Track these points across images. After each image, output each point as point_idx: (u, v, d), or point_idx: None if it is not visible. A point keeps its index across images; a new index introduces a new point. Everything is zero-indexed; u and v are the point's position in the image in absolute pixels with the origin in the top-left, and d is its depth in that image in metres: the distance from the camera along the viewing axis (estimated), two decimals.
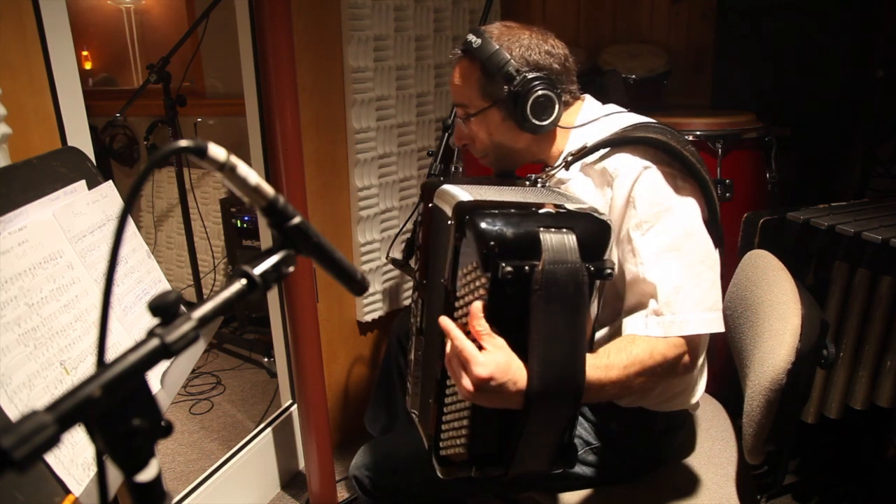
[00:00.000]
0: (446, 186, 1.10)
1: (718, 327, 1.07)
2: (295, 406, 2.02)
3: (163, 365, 0.52)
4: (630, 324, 1.08)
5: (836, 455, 2.03)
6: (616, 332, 1.14)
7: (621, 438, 1.24)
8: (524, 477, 1.02)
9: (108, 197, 1.09)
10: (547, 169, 1.24)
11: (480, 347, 0.92)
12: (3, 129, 1.09)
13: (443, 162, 1.81)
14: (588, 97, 1.29)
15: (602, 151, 1.15)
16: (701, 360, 1.16)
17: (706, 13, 2.49)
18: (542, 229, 0.92)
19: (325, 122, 1.95)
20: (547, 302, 0.90)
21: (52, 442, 0.39)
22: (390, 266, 2.20)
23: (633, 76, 2.30)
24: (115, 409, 0.48)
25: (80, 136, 1.30)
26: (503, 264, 0.89)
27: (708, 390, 1.37)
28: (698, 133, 1.95)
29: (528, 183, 1.24)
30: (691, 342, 1.06)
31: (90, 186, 1.06)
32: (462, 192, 1.03)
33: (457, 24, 2.32)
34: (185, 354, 0.52)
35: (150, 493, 0.51)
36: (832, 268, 1.62)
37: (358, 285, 0.68)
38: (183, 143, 0.53)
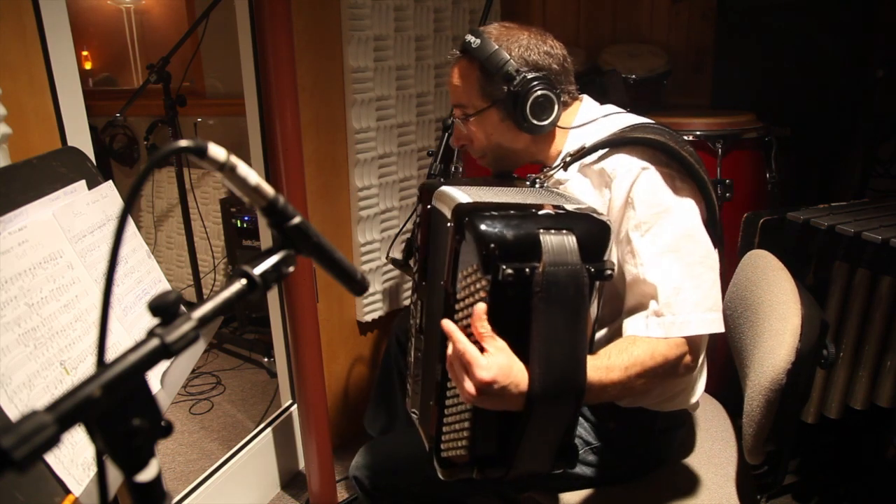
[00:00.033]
0: (445, 188, 1.09)
1: (719, 328, 1.07)
2: (295, 406, 2.02)
3: (163, 365, 0.52)
4: (631, 325, 1.08)
5: (836, 455, 2.03)
6: (616, 332, 1.14)
7: (621, 438, 1.24)
8: (525, 477, 1.02)
9: (108, 197, 1.09)
10: (545, 169, 1.24)
11: (482, 349, 0.92)
12: (3, 129, 1.09)
13: (443, 162, 1.81)
14: (586, 97, 1.29)
15: (600, 152, 1.15)
16: (701, 359, 1.16)
17: (706, 13, 2.49)
18: (541, 231, 0.91)
19: (325, 122, 1.95)
20: (548, 304, 0.90)
21: (52, 442, 0.39)
22: (390, 266, 2.20)
23: (633, 76, 2.30)
24: (115, 409, 0.48)
25: (80, 136, 1.30)
26: (504, 267, 0.89)
27: (708, 390, 1.37)
28: (698, 133, 1.95)
29: (527, 183, 1.24)
30: (692, 343, 1.06)
31: (90, 186, 1.06)
32: (461, 194, 1.03)
33: (457, 24, 2.32)
34: (185, 354, 0.52)
35: (150, 493, 0.51)
36: (832, 268, 1.62)
37: (358, 285, 0.68)
38: (183, 143, 0.53)
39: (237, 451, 1.93)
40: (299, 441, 2.07)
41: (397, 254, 2.03)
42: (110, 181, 1.11)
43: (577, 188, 1.18)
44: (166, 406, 1.05)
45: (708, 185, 1.13)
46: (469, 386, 0.90)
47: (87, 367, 0.91)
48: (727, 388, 1.46)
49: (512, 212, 0.94)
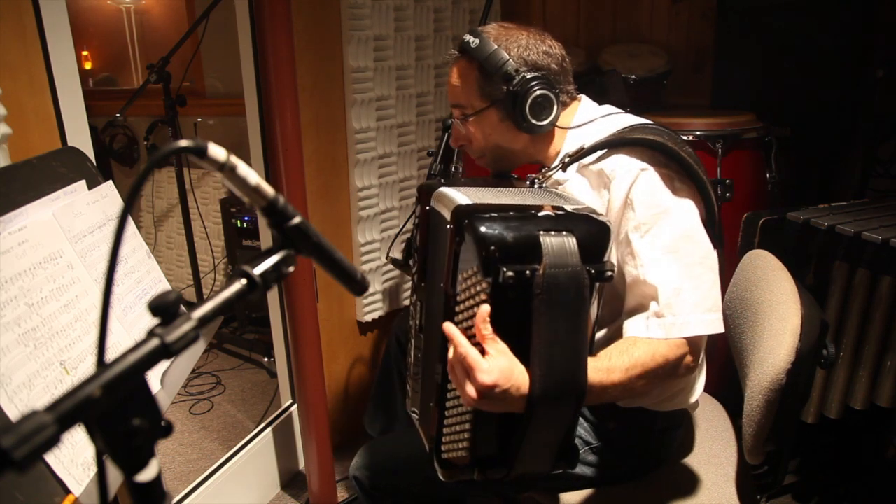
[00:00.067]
0: (443, 189, 1.09)
1: (718, 328, 1.07)
2: (295, 406, 2.02)
3: (163, 365, 0.52)
4: (631, 326, 1.08)
5: (836, 455, 2.03)
6: (616, 333, 1.14)
7: (621, 438, 1.24)
8: (525, 477, 1.02)
9: (108, 197, 1.09)
10: (544, 170, 1.24)
11: (482, 351, 0.92)
12: (3, 129, 1.09)
13: (443, 162, 1.81)
14: (584, 98, 1.29)
15: (599, 153, 1.15)
16: (700, 359, 1.16)
17: (706, 13, 2.49)
18: (542, 232, 0.91)
19: (325, 122, 1.95)
20: (548, 306, 0.90)
21: (52, 442, 0.39)
22: (390, 266, 2.20)
23: (633, 76, 2.30)
24: (115, 409, 0.48)
25: (80, 136, 1.30)
26: (504, 269, 0.89)
27: (708, 390, 1.37)
28: (698, 133, 1.95)
29: (526, 184, 1.24)
30: (692, 343, 1.06)
31: (90, 186, 1.06)
32: (460, 196, 1.02)
33: (457, 24, 2.32)
34: (185, 354, 0.52)
35: (150, 493, 0.51)
36: (832, 268, 1.62)
37: (358, 285, 0.68)
38: (183, 143, 0.53)
39: (237, 451, 1.93)
40: (299, 441, 2.07)
41: (397, 254, 2.03)
42: (110, 181, 1.11)
43: (576, 189, 1.18)
44: (166, 406, 1.05)
45: (707, 186, 1.13)
46: (470, 390, 0.90)
47: (87, 367, 0.91)
48: (727, 388, 1.46)
49: (512, 213, 0.94)
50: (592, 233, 0.95)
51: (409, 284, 2.31)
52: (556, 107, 1.18)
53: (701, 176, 1.12)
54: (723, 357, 1.46)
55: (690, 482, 1.24)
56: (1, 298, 0.81)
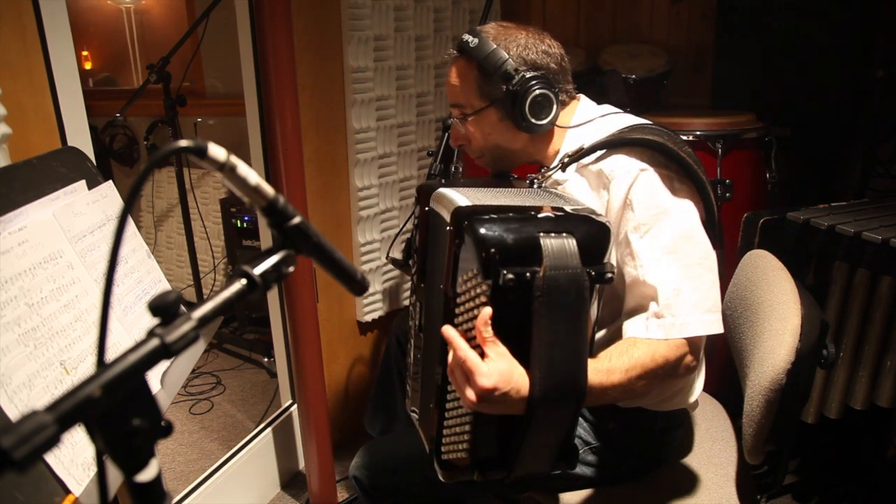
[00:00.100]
0: (443, 190, 1.09)
1: (718, 328, 1.07)
2: (295, 406, 2.02)
3: (163, 365, 0.52)
4: (631, 326, 1.08)
5: (836, 455, 2.03)
6: (615, 334, 1.14)
7: (620, 438, 1.24)
8: (525, 478, 1.02)
9: (108, 197, 1.09)
10: (543, 170, 1.24)
11: (482, 353, 0.92)
12: (3, 129, 1.09)
13: (443, 162, 1.81)
14: (583, 97, 1.28)
15: (598, 153, 1.15)
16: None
17: (706, 13, 2.49)
18: (542, 234, 0.91)
19: (325, 122, 1.95)
20: (549, 308, 0.89)
21: (52, 442, 0.39)
22: (390, 266, 2.20)
23: (633, 76, 2.30)
24: (115, 409, 0.48)
25: (80, 136, 1.30)
26: (504, 271, 0.89)
27: (708, 390, 1.37)
28: (698, 133, 1.95)
29: (526, 183, 1.24)
30: (692, 343, 1.06)
31: (90, 186, 1.06)
32: (459, 197, 1.02)
33: (457, 24, 2.32)
34: (185, 354, 0.52)
35: (150, 493, 0.51)
36: (832, 268, 1.62)
37: (358, 285, 0.68)
38: (183, 143, 0.53)
39: (237, 451, 1.93)
40: (299, 441, 2.07)
41: (397, 254, 2.03)
42: (110, 181, 1.11)
43: (575, 189, 1.18)
44: (166, 406, 1.05)
45: (706, 186, 1.13)
46: (470, 393, 0.90)
47: (87, 367, 0.91)
48: (727, 388, 1.46)
49: (511, 215, 0.94)
50: (592, 234, 0.95)
51: (409, 284, 2.31)
52: (555, 106, 1.18)
53: (700, 176, 1.12)
54: (723, 357, 1.46)
55: (690, 482, 1.24)
56: (1, 298, 0.81)
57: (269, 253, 0.59)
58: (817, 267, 1.66)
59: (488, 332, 0.91)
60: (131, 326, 1.05)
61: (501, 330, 0.92)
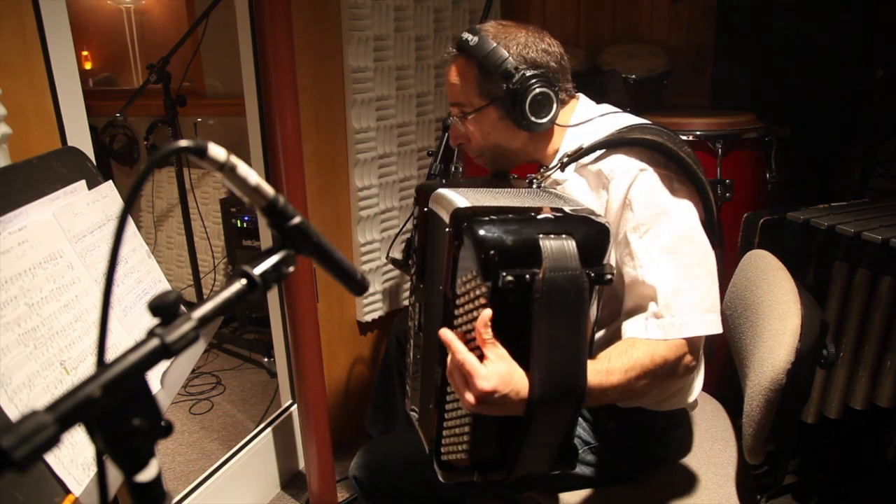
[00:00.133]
0: (442, 190, 1.09)
1: (717, 329, 1.07)
2: (295, 406, 2.02)
3: (163, 365, 0.52)
4: (630, 327, 1.08)
5: (836, 455, 2.03)
6: (615, 334, 1.14)
7: (620, 438, 1.24)
8: (524, 478, 1.02)
9: (108, 197, 1.09)
10: (542, 170, 1.24)
11: (482, 355, 0.91)
12: (3, 129, 1.09)
13: (443, 162, 1.81)
14: (582, 96, 1.28)
15: (598, 153, 1.15)
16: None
17: (706, 13, 2.49)
18: (541, 236, 0.91)
19: (325, 122, 1.95)
20: (548, 310, 0.89)
21: (52, 442, 0.39)
22: (390, 266, 2.20)
23: (633, 76, 2.30)
24: (115, 409, 0.48)
25: (80, 136, 1.30)
26: (504, 273, 0.88)
27: (708, 390, 1.37)
28: (698, 133, 1.95)
29: (526, 183, 1.24)
30: (691, 344, 1.06)
31: (90, 186, 1.06)
32: (459, 198, 1.02)
33: (457, 24, 2.32)
34: (185, 354, 0.52)
35: (150, 493, 0.51)
36: (832, 268, 1.62)
37: (358, 285, 0.67)
38: (183, 143, 0.53)
39: (237, 451, 1.93)
40: (299, 441, 2.07)
41: (397, 254, 2.03)
42: (110, 181, 1.11)
43: (575, 189, 1.18)
44: (166, 406, 1.05)
45: (706, 186, 1.13)
46: (469, 396, 0.90)
47: (87, 367, 0.91)
48: (727, 388, 1.46)
49: (510, 216, 0.93)
50: (592, 235, 0.95)
51: (408, 284, 2.31)
52: (555, 105, 1.18)
53: (700, 176, 1.12)
54: (723, 357, 1.46)
55: (690, 482, 1.24)
56: (1, 298, 0.81)
57: (269, 253, 0.59)
58: (817, 267, 1.66)
59: (488, 333, 0.90)
60: (131, 326, 1.05)
61: (501, 331, 0.92)
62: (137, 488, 0.51)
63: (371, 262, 2.15)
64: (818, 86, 2.21)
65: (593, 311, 0.99)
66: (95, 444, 0.48)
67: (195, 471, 2.10)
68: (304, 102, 1.73)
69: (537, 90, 1.15)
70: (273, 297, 1.99)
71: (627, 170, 1.09)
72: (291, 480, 2.11)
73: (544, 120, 1.18)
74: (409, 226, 1.93)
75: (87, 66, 3.74)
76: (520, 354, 0.92)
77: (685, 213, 1.09)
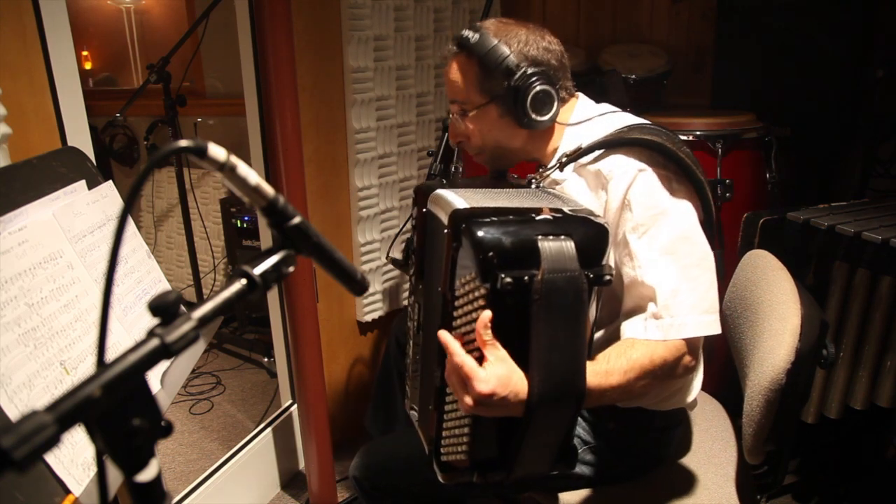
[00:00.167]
0: (440, 191, 1.09)
1: (715, 329, 1.07)
2: (295, 406, 2.02)
3: (163, 365, 0.52)
4: (629, 328, 1.08)
5: (836, 455, 2.03)
6: (613, 334, 1.14)
7: (619, 437, 1.24)
8: (524, 479, 1.02)
9: (108, 197, 1.09)
10: (541, 170, 1.24)
11: (482, 356, 0.91)
12: (3, 129, 1.09)
13: (443, 162, 1.81)
14: (581, 95, 1.28)
15: (597, 153, 1.15)
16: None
17: (706, 13, 2.49)
18: (540, 237, 0.91)
19: (325, 122, 1.95)
20: (547, 311, 0.89)
21: (52, 442, 0.39)
22: (390, 266, 2.20)
23: (633, 76, 2.30)
24: (115, 409, 0.48)
25: (80, 136, 1.30)
26: (502, 275, 0.88)
27: (708, 390, 1.37)
28: (698, 133, 1.95)
29: (525, 183, 1.23)
30: (690, 344, 1.06)
31: (90, 186, 1.06)
32: (457, 199, 1.02)
33: (457, 24, 2.32)
34: (185, 354, 0.52)
35: (150, 493, 0.51)
36: (832, 268, 1.62)
37: (358, 285, 0.68)
38: (183, 143, 0.53)
39: (237, 451, 1.93)
40: (299, 441, 2.07)
41: (397, 254, 2.03)
42: (110, 181, 1.11)
43: (573, 189, 1.18)
44: (166, 406, 1.05)
45: (705, 187, 1.13)
46: (467, 398, 0.90)
47: (87, 367, 0.91)
48: (727, 388, 1.46)
49: (509, 217, 0.93)
50: (590, 236, 0.95)
51: (408, 284, 2.31)
52: (556, 102, 1.17)
53: (699, 177, 1.11)
54: (723, 357, 1.46)
55: (690, 482, 1.24)
56: (1, 298, 0.81)
57: (269, 253, 0.59)
58: (817, 267, 1.66)
59: (488, 335, 0.90)
60: (131, 326, 1.05)
61: (500, 333, 0.92)
62: (137, 488, 0.51)
63: (371, 262, 2.15)
64: (818, 86, 2.21)
65: (592, 312, 0.99)
66: (95, 444, 0.48)
67: (195, 471, 2.10)
68: (304, 102, 1.73)
69: (538, 87, 1.15)
70: (273, 297, 1.99)
71: (626, 170, 1.09)
72: (291, 480, 2.11)
73: (545, 118, 1.18)
74: (409, 226, 1.93)
75: (87, 66, 3.74)
76: (519, 356, 0.91)
77: (684, 214, 1.09)
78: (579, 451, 1.23)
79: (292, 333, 1.76)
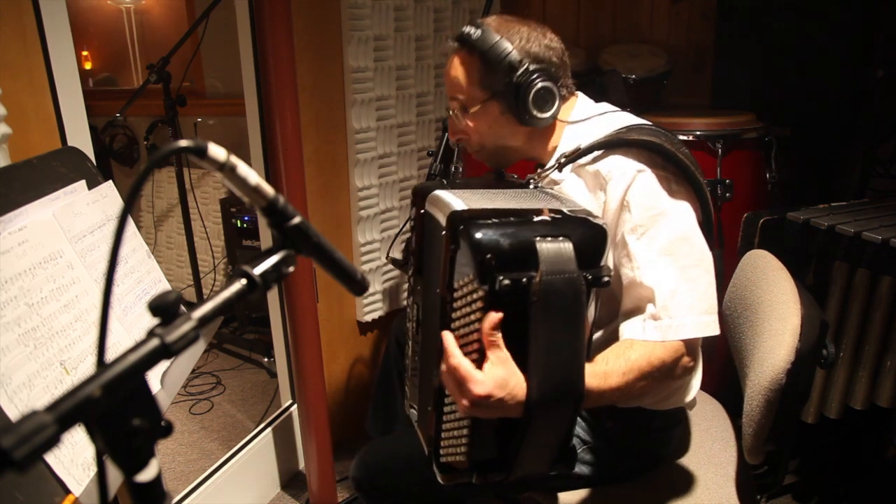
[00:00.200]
0: (438, 192, 1.08)
1: (714, 330, 1.07)
2: (295, 406, 2.02)
3: (163, 365, 0.52)
4: (628, 329, 1.08)
5: (836, 455, 2.03)
6: (612, 335, 1.13)
7: (618, 437, 1.24)
8: (523, 479, 1.02)
9: (108, 197, 1.09)
10: (539, 170, 1.24)
11: (483, 358, 0.91)
12: (3, 129, 1.09)
13: (443, 162, 1.81)
14: (581, 94, 1.28)
15: (595, 153, 1.14)
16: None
17: (706, 13, 2.49)
18: (538, 239, 0.90)
19: (325, 122, 1.95)
20: (545, 313, 0.89)
21: (52, 442, 0.39)
22: (390, 266, 2.20)
23: (633, 76, 2.30)
24: (115, 409, 0.48)
25: (80, 136, 1.30)
26: (500, 277, 0.88)
27: (708, 390, 1.37)
28: (698, 133, 1.95)
29: (523, 183, 1.23)
30: (689, 345, 1.06)
31: (90, 186, 1.06)
32: (455, 200, 1.02)
33: (457, 24, 2.32)
34: (185, 354, 0.52)
35: (150, 493, 0.51)
36: (832, 268, 1.62)
37: (358, 285, 0.68)
38: (183, 143, 0.53)
39: (237, 451, 1.93)
40: (299, 441, 2.07)
41: (397, 254, 2.03)
42: (110, 181, 1.11)
43: (572, 189, 1.18)
44: (166, 406, 1.05)
45: (703, 187, 1.13)
46: (464, 400, 0.90)
47: (87, 367, 0.91)
48: (727, 388, 1.46)
49: (507, 218, 0.93)
50: (589, 237, 0.94)
51: (408, 285, 2.31)
52: (557, 100, 1.17)
53: (697, 177, 1.11)
54: (723, 357, 1.46)
55: (690, 482, 1.24)
56: (1, 298, 0.81)
57: (269, 253, 0.59)
58: (817, 267, 1.66)
59: (494, 336, 0.90)
60: (131, 326, 1.05)
61: None
62: (137, 488, 0.51)
63: (371, 262, 2.15)
64: (818, 86, 2.21)
65: (591, 313, 0.99)
66: (95, 444, 0.48)
67: (195, 471, 2.10)
68: (304, 102, 1.73)
69: (540, 84, 1.14)
70: (273, 297, 1.99)
71: (625, 171, 1.09)
72: (291, 480, 2.11)
73: (546, 115, 1.17)
74: (409, 226, 1.93)
75: (87, 66, 3.74)
76: (518, 357, 0.91)
77: (683, 215, 1.09)
78: (578, 450, 1.23)
79: (292, 333, 1.76)
